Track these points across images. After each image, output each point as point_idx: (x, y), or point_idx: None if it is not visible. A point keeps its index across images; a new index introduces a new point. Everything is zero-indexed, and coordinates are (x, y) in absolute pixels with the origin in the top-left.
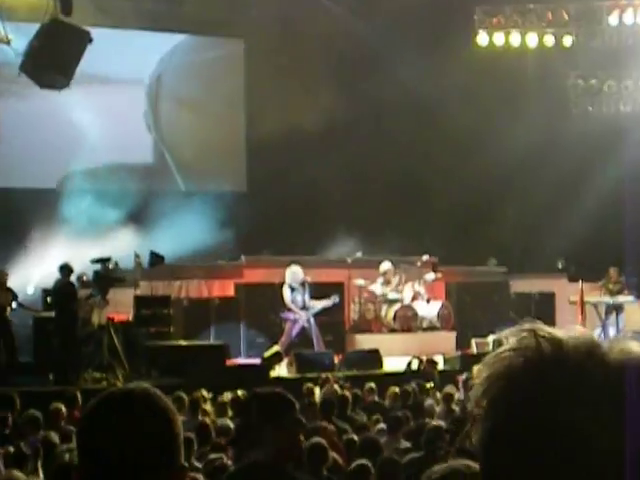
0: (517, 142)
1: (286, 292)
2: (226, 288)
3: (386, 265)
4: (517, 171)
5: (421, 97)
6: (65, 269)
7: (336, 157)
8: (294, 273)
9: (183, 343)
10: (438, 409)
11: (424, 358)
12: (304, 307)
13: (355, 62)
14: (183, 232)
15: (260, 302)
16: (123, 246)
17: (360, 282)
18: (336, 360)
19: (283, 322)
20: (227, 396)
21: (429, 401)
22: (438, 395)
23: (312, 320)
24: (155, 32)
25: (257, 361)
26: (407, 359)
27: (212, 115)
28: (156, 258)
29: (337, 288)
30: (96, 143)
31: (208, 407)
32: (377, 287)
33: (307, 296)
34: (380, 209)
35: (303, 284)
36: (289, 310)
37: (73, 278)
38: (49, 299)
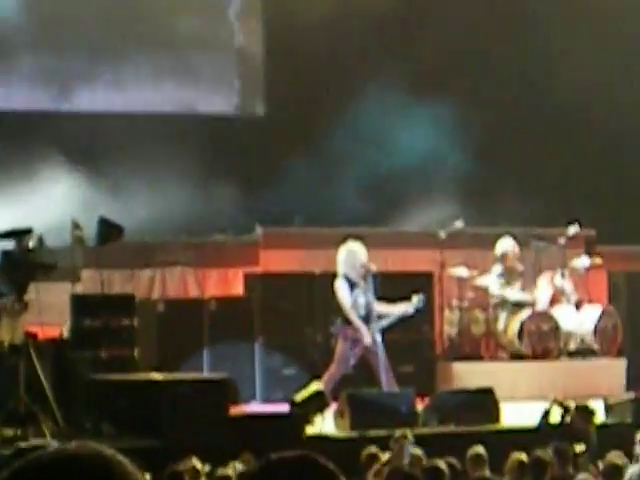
0: None
1: (342, 289)
2: (230, 282)
3: (506, 244)
4: None
5: None
6: None
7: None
8: (353, 255)
9: (156, 377)
10: None
11: (571, 404)
12: (369, 318)
13: None
14: (157, 184)
15: (289, 306)
16: (53, 208)
17: (462, 272)
18: (419, 407)
19: (333, 340)
20: (234, 468)
21: (581, 478)
22: (595, 467)
23: (378, 339)
24: None
25: (284, 408)
26: (542, 405)
27: None
28: (109, 230)
29: (421, 282)
30: None
31: None
32: (491, 281)
33: (371, 297)
34: (493, 151)
35: (365, 276)
36: (347, 322)
37: None
38: None
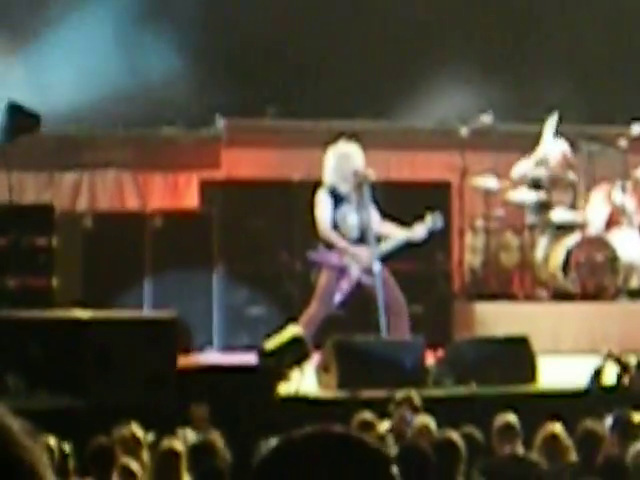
0: None
1: (323, 203)
2: (181, 191)
3: (551, 145)
4: None
5: None
6: None
7: None
8: (344, 160)
9: (81, 315)
10: None
11: (631, 360)
12: (362, 239)
13: None
14: (82, 56)
15: (258, 224)
16: None
17: (490, 183)
18: (430, 360)
19: (313, 272)
20: (184, 438)
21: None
22: None
23: (379, 271)
24: None
25: (250, 359)
26: (592, 360)
27: None
28: (22, 118)
29: (436, 195)
30: None
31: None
32: (529, 195)
33: (367, 215)
34: (528, 23)
35: (360, 185)
36: (328, 246)
37: None
38: None
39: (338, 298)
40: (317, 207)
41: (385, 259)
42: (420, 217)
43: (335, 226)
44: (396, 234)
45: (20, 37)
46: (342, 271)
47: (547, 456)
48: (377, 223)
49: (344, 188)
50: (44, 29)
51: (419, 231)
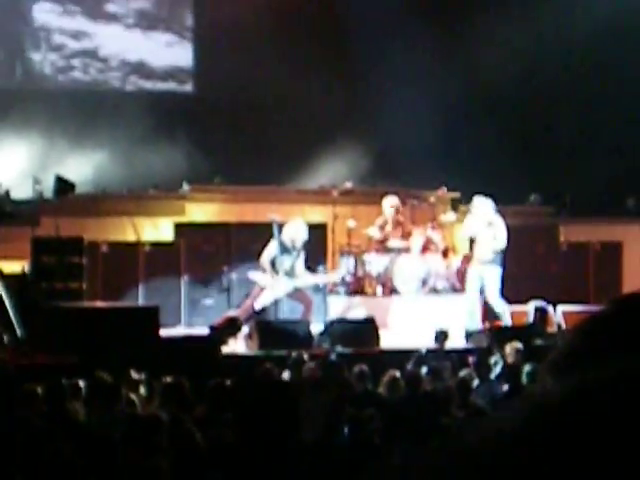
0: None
1: (270, 247)
2: (161, 229)
3: (391, 201)
4: (572, 71)
5: None
6: None
7: (312, 47)
8: (298, 231)
9: (99, 305)
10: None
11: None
12: (290, 274)
13: None
14: (103, 149)
15: (210, 249)
16: (17, 166)
17: (351, 224)
18: (315, 331)
19: (248, 282)
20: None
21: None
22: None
23: (289, 290)
24: None
25: (203, 331)
26: (414, 332)
27: None
28: (64, 185)
29: (317, 231)
30: None
31: (141, 394)
32: (375, 231)
33: (300, 262)
34: (377, 124)
35: (298, 247)
36: (263, 270)
37: None
38: None
39: (259, 305)
40: (267, 247)
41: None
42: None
43: (274, 262)
44: (312, 279)
45: (62, 136)
46: (262, 289)
47: (389, 391)
48: (305, 272)
49: (288, 244)
50: (80, 131)
51: (331, 278)
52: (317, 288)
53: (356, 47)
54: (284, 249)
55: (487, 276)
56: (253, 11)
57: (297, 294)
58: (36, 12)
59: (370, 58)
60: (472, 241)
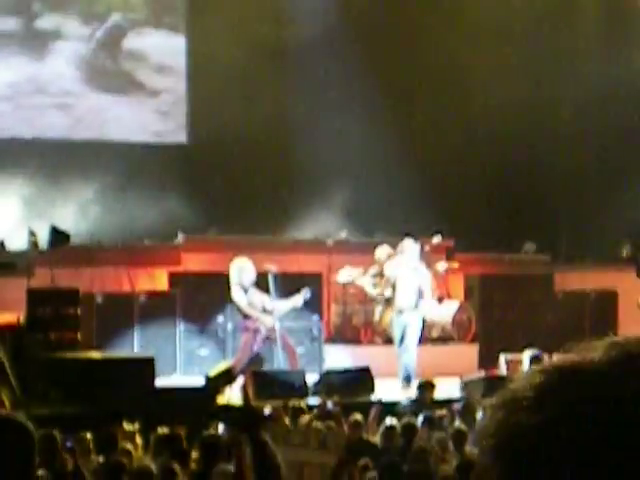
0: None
1: (237, 293)
2: (157, 279)
3: (383, 250)
4: (567, 125)
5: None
6: None
7: (309, 97)
8: (242, 269)
9: (95, 355)
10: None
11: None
12: (265, 310)
13: None
14: (97, 200)
15: (205, 299)
16: (12, 218)
17: (345, 274)
18: (310, 382)
19: (240, 332)
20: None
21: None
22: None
23: (278, 328)
24: None
25: (199, 382)
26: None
27: None
28: (59, 236)
29: (312, 281)
30: None
31: (137, 442)
32: (369, 281)
33: (273, 294)
34: (371, 173)
35: (262, 282)
36: (245, 317)
37: None
38: None
39: (255, 348)
40: (234, 297)
41: (281, 319)
42: (297, 290)
43: (249, 303)
44: (285, 305)
45: (57, 188)
46: (255, 331)
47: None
48: (274, 301)
49: (246, 284)
50: (75, 183)
51: (298, 301)
52: (313, 338)
53: (353, 95)
54: (245, 291)
55: (410, 323)
56: (248, 58)
57: (282, 342)
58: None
59: (363, 109)
60: (394, 285)
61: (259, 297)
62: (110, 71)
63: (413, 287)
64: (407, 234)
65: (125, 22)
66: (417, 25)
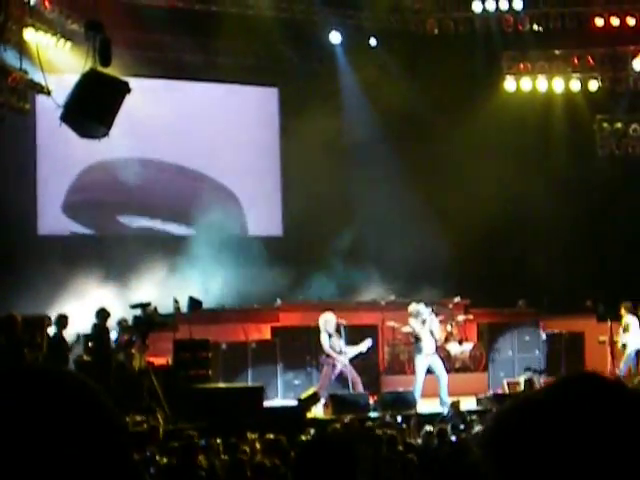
0: (544, 182)
1: (324, 339)
2: (263, 331)
3: (414, 306)
4: (543, 212)
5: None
6: (101, 314)
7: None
8: (328, 321)
9: (221, 386)
10: None
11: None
12: (341, 352)
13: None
14: (220, 277)
15: (296, 345)
16: (161, 290)
17: (392, 324)
18: (371, 401)
19: (321, 366)
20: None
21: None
22: None
23: (348, 364)
24: (192, 82)
25: (293, 402)
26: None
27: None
28: (194, 303)
29: (371, 330)
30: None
31: (256, 446)
32: (408, 329)
33: (343, 341)
34: (414, 255)
35: (338, 329)
36: (327, 356)
37: (112, 323)
38: (90, 344)
39: (333, 378)
40: (322, 340)
41: (351, 360)
42: (363, 338)
43: (331, 346)
44: (354, 350)
45: (193, 267)
46: (334, 366)
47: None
48: (346, 346)
49: (330, 331)
50: (206, 265)
51: (363, 348)
52: (372, 370)
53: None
54: (330, 336)
55: (435, 364)
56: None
57: (351, 374)
58: None
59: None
60: (417, 338)
61: (337, 342)
62: None
63: (429, 336)
64: (420, 300)
65: None
66: (434, 152)
